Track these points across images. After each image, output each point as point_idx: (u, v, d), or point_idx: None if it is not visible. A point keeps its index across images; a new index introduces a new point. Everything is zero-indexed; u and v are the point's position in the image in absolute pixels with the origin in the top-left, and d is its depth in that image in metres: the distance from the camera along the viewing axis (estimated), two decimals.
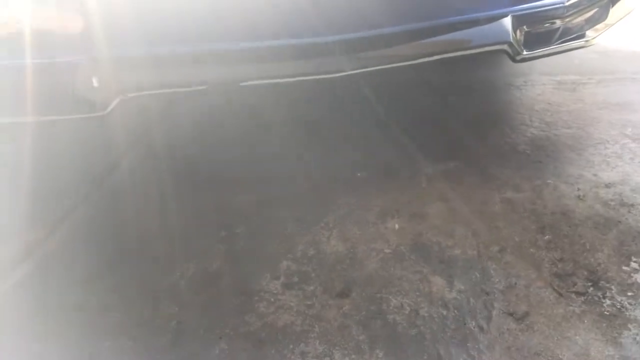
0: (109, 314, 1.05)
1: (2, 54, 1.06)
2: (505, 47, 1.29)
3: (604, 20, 1.51)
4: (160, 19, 1.07)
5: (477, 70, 2.25)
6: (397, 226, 1.26)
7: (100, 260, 1.21)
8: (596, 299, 1.02)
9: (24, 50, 1.06)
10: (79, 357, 0.95)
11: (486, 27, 1.27)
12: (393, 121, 1.81)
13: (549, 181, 1.42)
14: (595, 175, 1.43)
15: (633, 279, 1.07)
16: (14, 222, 1.34)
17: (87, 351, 0.96)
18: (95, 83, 1.05)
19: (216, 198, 1.43)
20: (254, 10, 1.11)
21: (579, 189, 1.37)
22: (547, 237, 1.21)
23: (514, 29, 1.27)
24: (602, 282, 1.06)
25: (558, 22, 1.34)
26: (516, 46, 1.30)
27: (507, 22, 1.26)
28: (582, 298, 1.03)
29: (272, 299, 1.07)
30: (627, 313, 0.99)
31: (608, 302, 1.01)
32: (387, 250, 1.19)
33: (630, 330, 0.95)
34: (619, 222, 1.24)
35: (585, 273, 1.09)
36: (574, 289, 1.05)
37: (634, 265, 1.10)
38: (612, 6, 1.50)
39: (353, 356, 0.93)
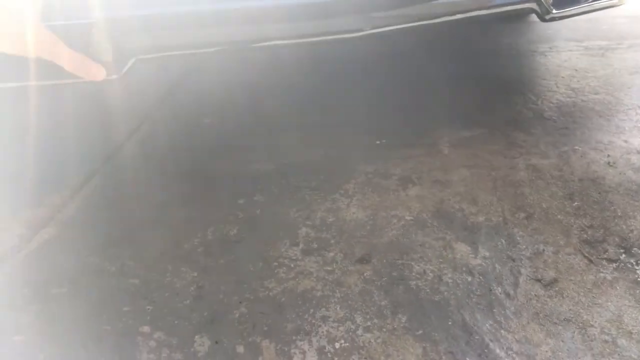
0: (128, 280, 1.04)
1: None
2: (533, 5, 1.22)
3: None
4: None
5: (501, 36, 2.17)
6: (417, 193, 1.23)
7: (119, 226, 1.20)
8: (629, 265, 0.98)
9: (37, 13, 1.04)
10: (97, 321, 0.94)
11: None
12: (414, 88, 1.75)
13: (576, 148, 1.37)
14: (626, 141, 1.37)
15: None
16: (35, 187, 1.33)
17: (105, 315, 0.96)
18: (108, 44, 1.02)
19: (234, 166, 1.41)
20: None
21: (609, 156, 1.32)
22: (575, 203, 1.16)
23: None
24: (635, 248, 1.02)
25: None
26: (545, 4, 1.23)
27: None
28: (614, 265, 0.99)
29: (292, 265, 1.05)
30: None
31: None
32: (408, 217, 1.16)
33: None
34: None
35: (617, 240, 1.05)
36: (605, 256, 1.01)
37: None
38: None
39: (375, 320, 0.90)
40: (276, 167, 1.39)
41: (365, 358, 0.84)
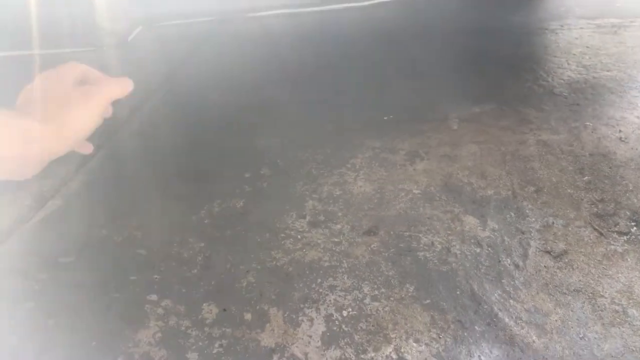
0: (135, 250, 1.04)
1: None
2: None
3: None
4: None
5: (512, 14, 2.13)
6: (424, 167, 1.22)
7: (125, 198, 1.20)
8: None
9: None
10: (105, 289, 0.94)
11: None
12: (423, 64, 1.73)
13: (587, 123, 1.35)
14: (638, 117, 1.35)
15: None
16: None
17: (112, 284, 0.96)
18: (113, 12, 1.01)
19: (240, 141, 1.40)
20: None
21: (620, 131, 1.30)
22: (586, 178, 1.14)
23: None
24: None
25: None
26: None
27: None
28: (625, 237, 0.98)
29: (299, 236, 1.04)
30: None
31: None
32: (416, 191, 1.15)
33: None
34: None
35: (628, 213, 1.03)
36: (615, 229, 1.00)
37: None
38: None
39: (382, 290, 0.90)
40: (281, 140, 1.38)
41: (372, 325, 0.84)
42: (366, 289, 0.91)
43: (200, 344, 0.83)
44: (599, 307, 0.84)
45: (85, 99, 0.48)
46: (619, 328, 0.80)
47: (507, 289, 0.89)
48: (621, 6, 2.10)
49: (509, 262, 0.94)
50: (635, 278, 0.89)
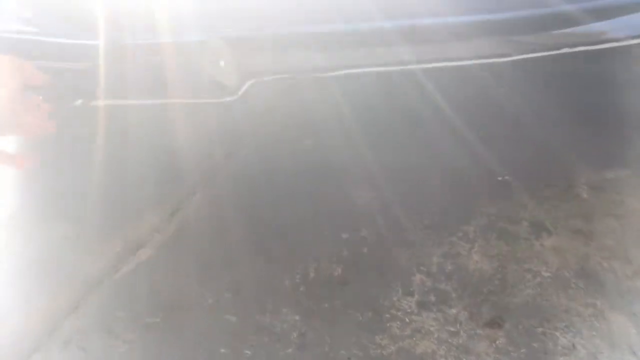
0: (225, 316, 0.96)
1: (137, 34, 1.01)
2: None
3: None
4: None
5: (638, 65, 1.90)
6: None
7: (215, 254, 1.13)
8: None
9: (156, 29, 1.00)
10: None
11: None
12: (545, 119, 1.55)
13: None
14: None
15: None
16: (135, 205, 1.31)
17: (202, 356, 0.87)
18: (224, 64, 0.96)
19: (335, 194, 1.30)
20: None
21: None
22: None
23: None
24: None
25: None
26: None
27: None
28: None
29: (407, 319, 0.91)
30: None
31: None
32: (545, 274, 0.98)
33: None
34: None
35: None
36: None
37: None
38: None
39: None
40: (381, 197, 1.26)
41: None
42: None
43: None
44: None
45: None
46: None
47: None
48: None
49: None
50: None
